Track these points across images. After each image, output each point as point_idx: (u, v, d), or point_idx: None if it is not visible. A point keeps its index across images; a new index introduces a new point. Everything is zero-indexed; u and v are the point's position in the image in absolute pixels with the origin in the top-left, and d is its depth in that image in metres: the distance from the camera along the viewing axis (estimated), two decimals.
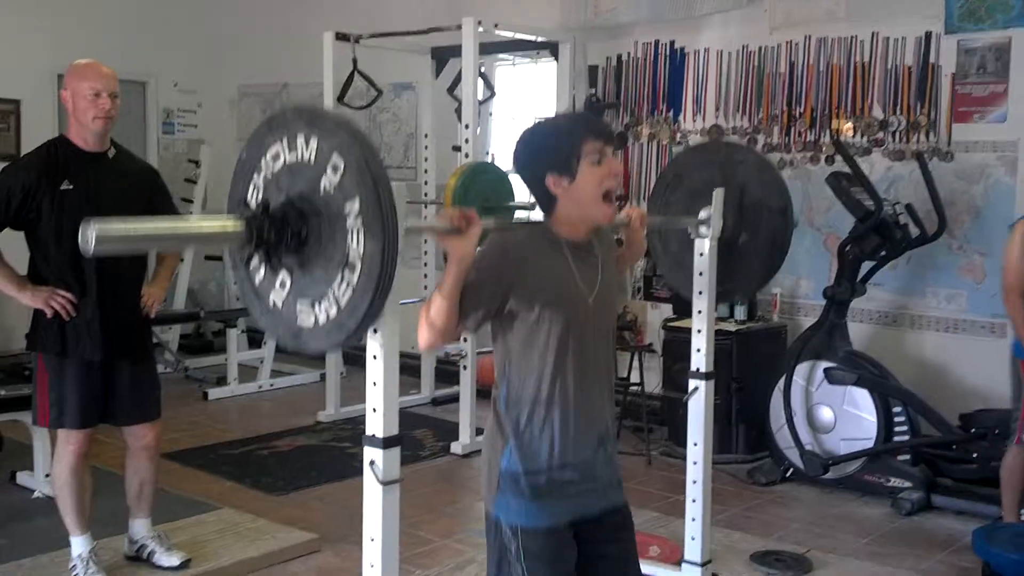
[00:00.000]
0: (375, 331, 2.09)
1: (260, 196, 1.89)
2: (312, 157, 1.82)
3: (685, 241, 2.88)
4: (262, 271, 1.91)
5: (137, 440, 3.84)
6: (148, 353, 3.92)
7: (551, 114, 2.66)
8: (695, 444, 2.86)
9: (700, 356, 2.84)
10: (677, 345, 5.67)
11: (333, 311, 1.83)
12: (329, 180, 1.79)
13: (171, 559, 3.88)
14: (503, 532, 2.27)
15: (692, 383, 2.85)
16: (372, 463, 2.12)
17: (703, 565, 2.89)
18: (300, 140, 1.83)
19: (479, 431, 5.92)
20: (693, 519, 2.90)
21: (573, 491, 2.30)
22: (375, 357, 2.10)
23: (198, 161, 8.40)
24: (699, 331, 2.85)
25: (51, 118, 8.06)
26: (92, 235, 1.74)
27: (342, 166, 1.77)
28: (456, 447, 5.75)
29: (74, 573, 3.75)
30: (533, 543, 2.25)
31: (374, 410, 2.12)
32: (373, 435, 2.12)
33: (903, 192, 5.35)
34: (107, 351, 3.63)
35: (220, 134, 8.73)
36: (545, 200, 2.32)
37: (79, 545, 3.78)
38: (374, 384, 2.11)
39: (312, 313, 1.86)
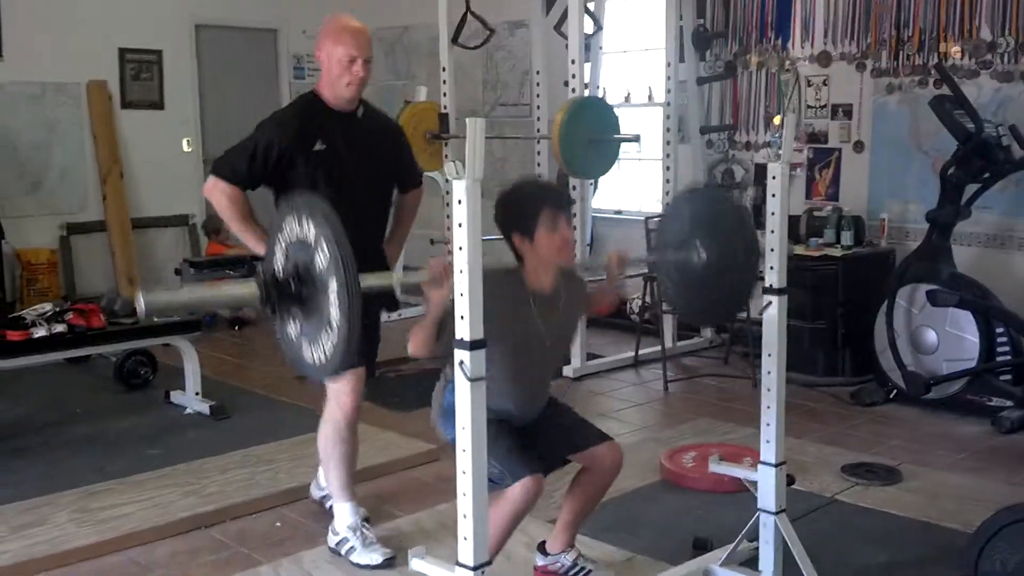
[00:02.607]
0: (460, 248, 2.39)
1: (282, 255, 2.43)
2: (311, 239, 2.34)
3: (684, 271, 3.20)
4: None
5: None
6: (384, 308, 3.90)
7: (528, 179, 3.22)
8: (769, 355, 3.06)
9: (773, 273, 3.02)
10: None
11: (320, 354, 2.38)
12: (320, 261, 2.31)
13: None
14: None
15: (765, 298, 3.04)
16: (461, 363, 2.42)
17: (777, 466, 3.10)
18: (304, 221, 2.36)
19: (590, 356, 6.21)
20: (768, 424, 3.10)
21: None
22: (461, 271, 2.40)
23: None
24: (771, 250, 3.03)
25: (191, 68, 8.63)
26: (142, 304, 2.25)
27: (328, 255, 2.30)
28: (568, 371, 6.03)
29: (347, 547, 3.51)
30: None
31: (462, 317, 2.41)
32: (461, 339, 2.42)
33: (1012, 114, 5.31)
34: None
35: None
36: (516, 253, 2.92)
37: (348, 514, 3.55)
38: (461, 294, 2.40)
39: (310, 350, 2.41)
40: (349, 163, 3.46)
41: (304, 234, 2.34)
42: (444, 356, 2.81)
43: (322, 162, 3.44)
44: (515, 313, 2.87)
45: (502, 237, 2.94)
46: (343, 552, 3.51)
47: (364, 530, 3.54)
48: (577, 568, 3.25)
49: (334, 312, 2.27)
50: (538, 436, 3.03)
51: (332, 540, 3.57)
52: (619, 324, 7.03)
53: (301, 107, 3.56)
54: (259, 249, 3.39)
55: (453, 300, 2.59)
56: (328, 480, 3.64)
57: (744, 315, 6.13)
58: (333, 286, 2.25)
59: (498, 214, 2.94)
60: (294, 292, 2.35)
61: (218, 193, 3.46)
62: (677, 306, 3.46)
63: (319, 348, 2.35)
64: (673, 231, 3.27)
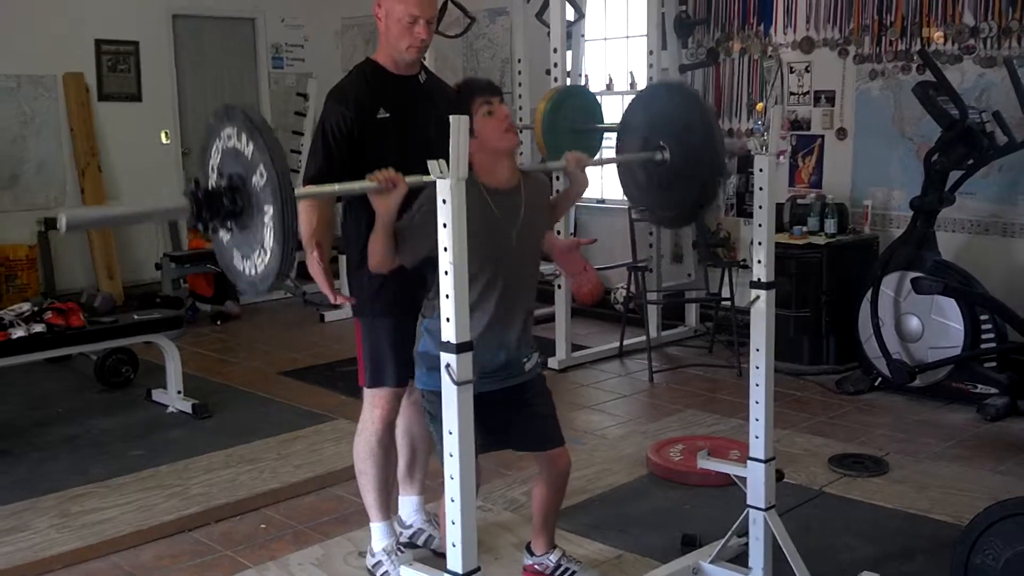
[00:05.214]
0: (446, 249, 2.35)
1: (217, 162, 2.29)
2: (249, 155, 2.20)
3: (646, 171, 3.17)
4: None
5: (410, 394, 3.36)
6: None
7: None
8: (757, 350, 3.02)
9: (760, 267, 2.98)
10: None
11: (252, 271, 2.28)
12: (257, 180, 2.19)
13: None
14: (424, 396, 2.92)
15: (753, 292, 3.00)
16: (448, 366, 2.38)
17: (767, 462, 3.08)
18: (243, 137, 2.21)
19: (575, 347, 6.19)
20: (757, 419, 3.07)
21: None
22: (447, 272, 2.36)
23: (306, 94, 8.74)
24: (759, 243, 2.99)
25: (168, 59, 8.53)
26: (63, 220, 2.07)
27: (264, 178, 2.16)
28: (553, 362, 6.00)
29: (382, 571, 3.33)
30: (437, 400, 2.64)
31: (447, 319, 2.37)
32: (448, 341, 2.38)
33: (995, 99, 5.29)
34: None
35: (326, 66, 9.03)
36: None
37: (382, 536, 3.37)
38: (447, 296, 2.36)
39: (242, 263, 2.31)
40: (417, 132, 3.08)
41: (242, 147, 2.20)
42: (412, 270, 2.79)
43: (388, 132, 3.13)
44: (473, 206, 2.56)
45: None
46: (378, 575, 3.35)
47: (400, 553, 3.34)
48: (561, 569, 3.22)
49: (268, 235, 2.17)
50: (496, 412, 2.86)
51: (369, 562, 3.41)
52: (603, 315, 7.00)
53: (358, 75, 3.24)
54: (320, 280, 3.13)
55: (423, 210, 2.64)
56: (363, 495, 3.39)
57: (728, 304, 6.13)
58: (270, 211, 2.14)
59: None
60: (227, 207, 2.23)
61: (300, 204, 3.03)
62: (640, 206, 3.36)
63: (250, 260, 2.26)
64: (634, 131, 3.19)
